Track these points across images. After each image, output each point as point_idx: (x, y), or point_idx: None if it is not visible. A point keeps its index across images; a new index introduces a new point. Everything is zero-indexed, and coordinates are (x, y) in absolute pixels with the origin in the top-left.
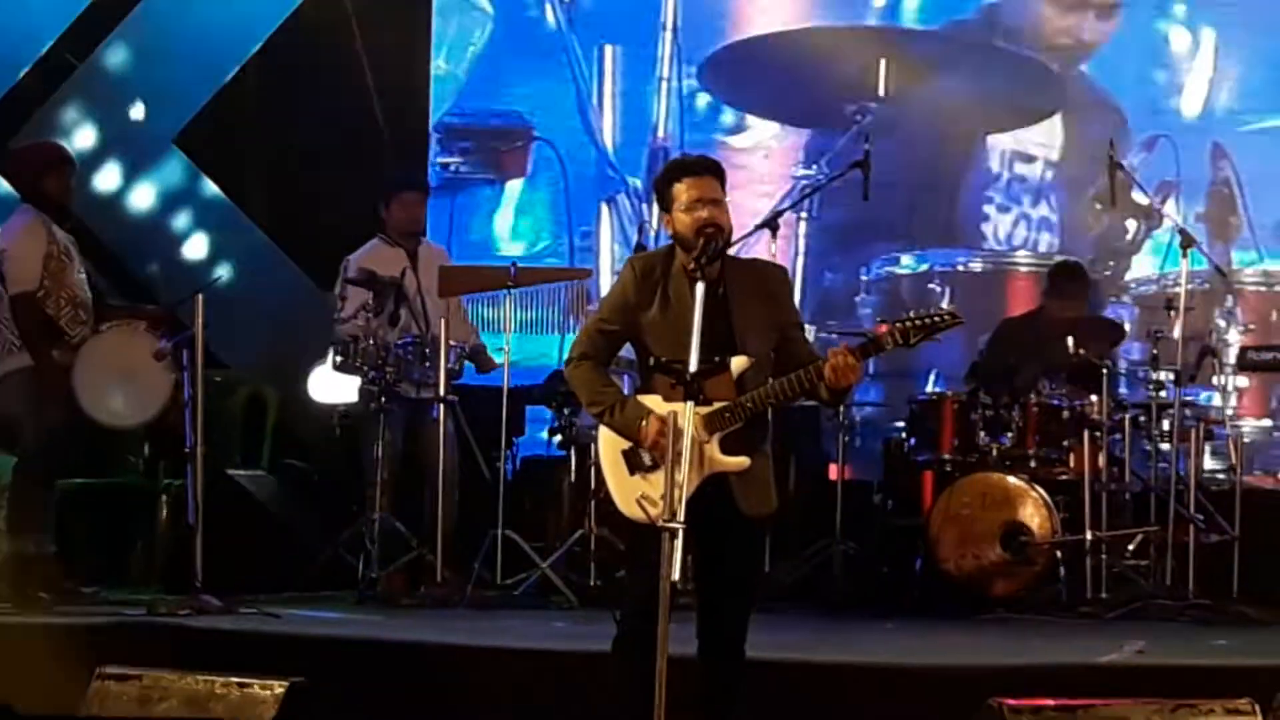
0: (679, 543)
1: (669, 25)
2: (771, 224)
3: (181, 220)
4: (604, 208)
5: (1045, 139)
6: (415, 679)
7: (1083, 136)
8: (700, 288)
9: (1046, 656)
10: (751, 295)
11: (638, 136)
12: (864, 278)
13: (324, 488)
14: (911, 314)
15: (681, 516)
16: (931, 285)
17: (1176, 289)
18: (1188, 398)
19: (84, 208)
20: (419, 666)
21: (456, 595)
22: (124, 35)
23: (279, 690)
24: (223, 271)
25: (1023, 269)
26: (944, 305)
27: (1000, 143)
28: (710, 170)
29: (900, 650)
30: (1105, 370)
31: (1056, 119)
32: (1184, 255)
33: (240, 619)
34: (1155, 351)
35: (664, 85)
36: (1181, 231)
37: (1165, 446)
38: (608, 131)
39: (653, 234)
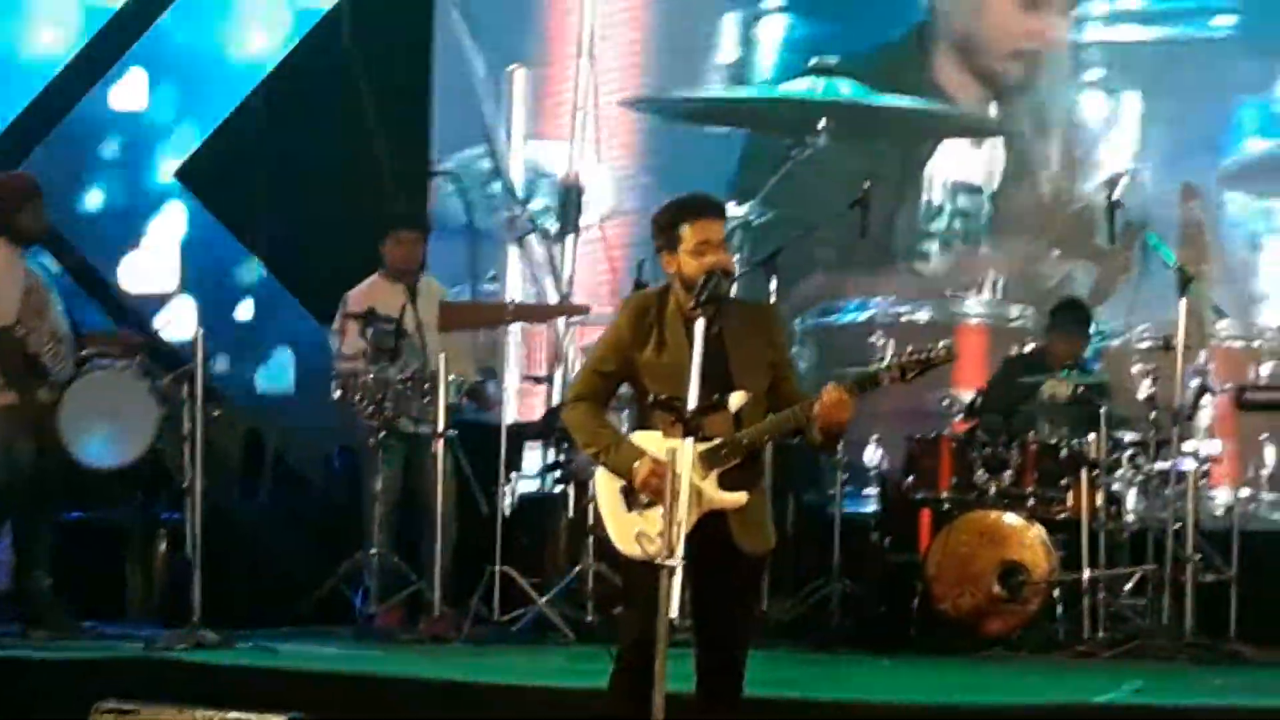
0: (677, 580)
1: (584, 50)
2: (769, 263)
3: (181, 254)
4: (511, 251)
5: (989, 166)
6: (412, 715)
7: (1028, 167)
8: (700, 325)
9: (1044, 695)
10: (746, 334)
11: (548, 170)
12: (797, 329)
13: (322, 522)
14: (909, 349)
15: (680, 553)
16: (873, 339)
17: (1143, 344)
18: (1161, 466)
19: (83, 239)
20: (416, 702)
21: (454, 631)
22: (124, 72)
23: None
24: None
25: (973, 320)
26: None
27: (941, 171)
28: (717, 212)
29: (898, 688)
30: (1103, 409)
31: (999, 145)
32: (1182, 294)
33: (238, 653)
34: (1153, 390)
35: (579, 115)
36: (1180, 269)
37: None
38: (516, 165)
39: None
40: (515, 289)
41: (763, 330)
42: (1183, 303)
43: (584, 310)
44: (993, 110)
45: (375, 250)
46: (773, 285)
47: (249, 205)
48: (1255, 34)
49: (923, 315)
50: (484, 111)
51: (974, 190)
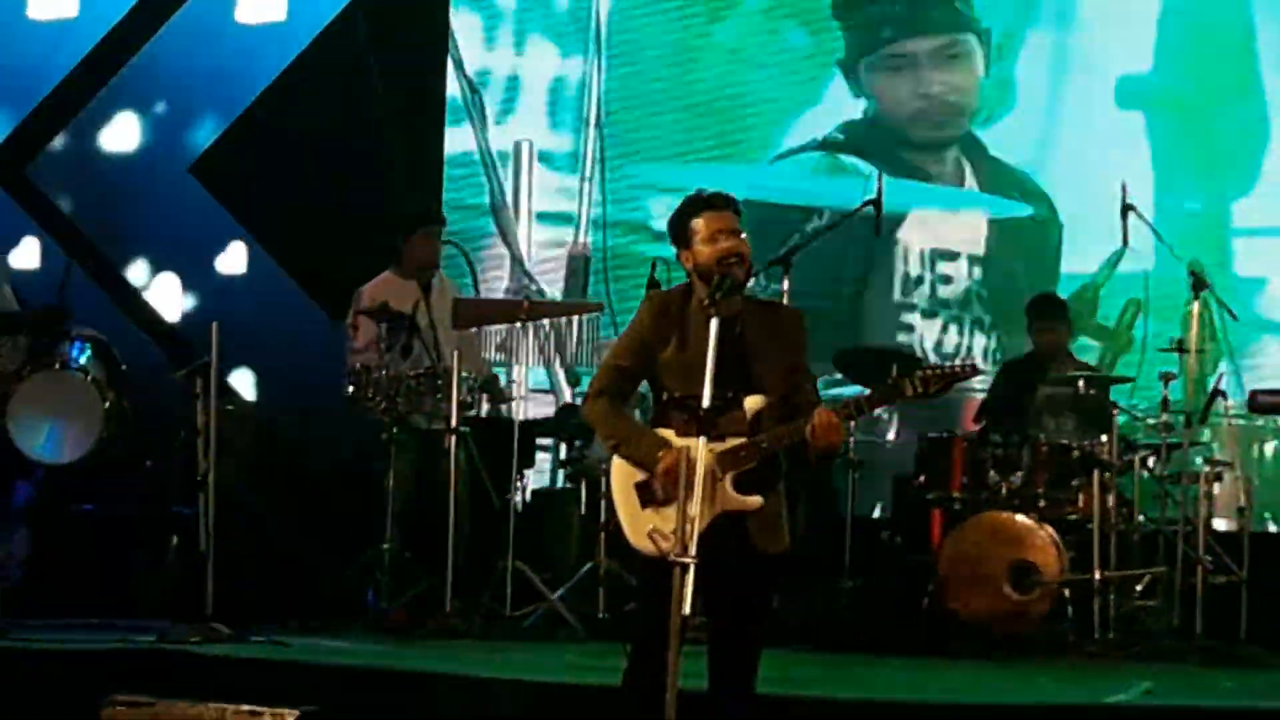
0: (690, 577)
1: (592, 121)
2: (785, 261)
3: (194, 249)
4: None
5: (968, 233)
6: (424, 710)
7: (1011, 229)
8: (714, 323)
9: (1054, 696)
10: (768, 336)
11: (556, 241)
12: None
13: (334, 518)
14: (931, 364)
15: (693, 551)
16: (878, 411)
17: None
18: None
19: (98, 234)
20: (428, 697)
21: (466, 626)
22: (139, 67)
23: (289, 719)
24: None
25: (980, 394)
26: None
27: (917, 240)
28: (729, 204)
29: (908, 688)
30: (1114, 411)
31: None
32: (1195, 298)
33: (250, 647)
34: (1165, 394)
35: (586, 186)
36: (1193, 273)
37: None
38: (523, 235)
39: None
40: (521, 355)
41: (784, 333)
42: (1195, 305)
43: (599, 308)
44: (969, 179)
45: (388, 246)
46: (785, 285)
47: (261, 200)
48: None
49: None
50: (491, 181)
51: (952, 255)
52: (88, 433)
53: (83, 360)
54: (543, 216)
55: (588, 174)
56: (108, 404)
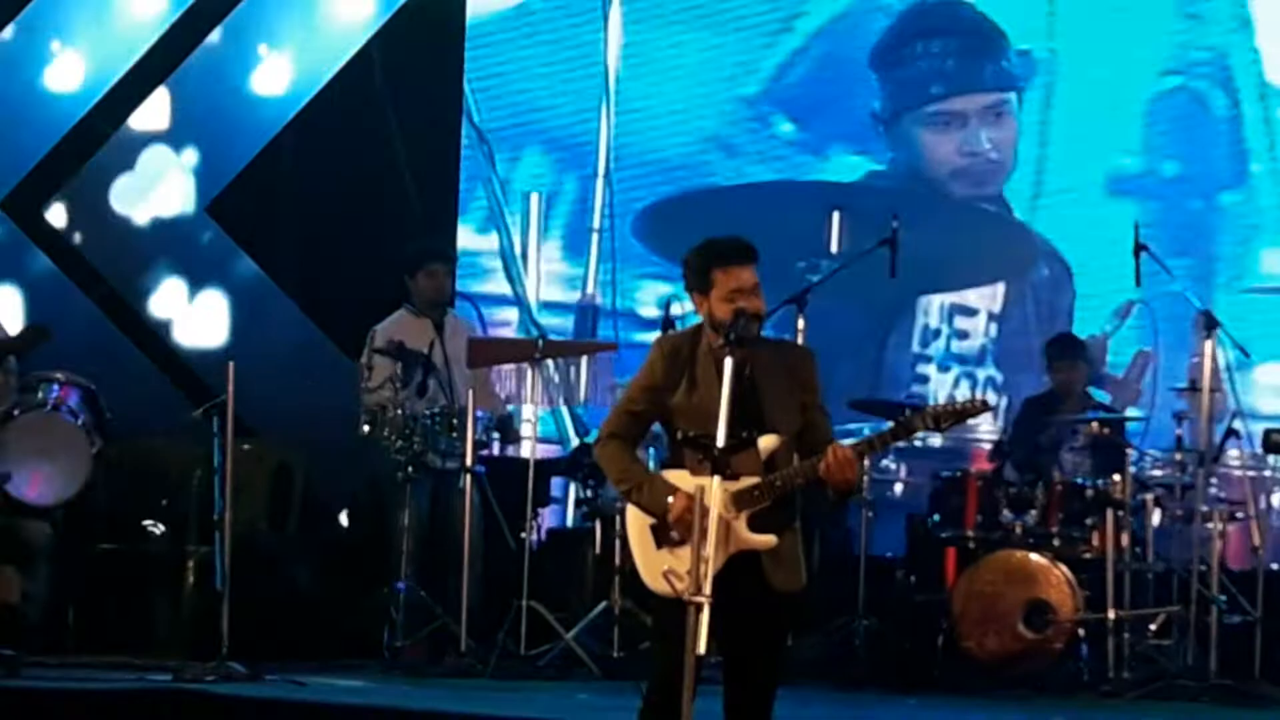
0: (705, 617)
1: (602, 172)
2: (800, 300)
3: (211, 288)
4: (528, 370)
5: (988, 290)
6: None
7: (1027, 289)
8: (729, 363)
9: None
10: (778, 374)
11: (565, 291)
12: None
13: (350, 556)
14: (944, 401)
15: (708, 591)
16: (886, 461)
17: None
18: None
19: (116, 273)
20: None
21: (480, 665)
22: (157, 105)
23: None
24: None
25: (985, 444)
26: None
27: (938, 295)
28: (749, 258)
29: None
30: (1128, 450)
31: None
32: (1208, 336)
33: (266, 687)
34: (1179, 433)
35: (595, 236)
36: (1205, 314)
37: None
38: (531, 285)
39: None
40: (530, 411)
41: (795, 371)
42: (1208, 345)
43: (612, 348)
44: None
45: (402, 285)
46: (800, 324)
47: (278, 239)
48: None
49: (935, 439)
50: (500, 233)
51: (971, 312)
52: (74, 477)
53: (72, 404)
54: (549, 305)
55: (596, 225)
56: (96, 449)
